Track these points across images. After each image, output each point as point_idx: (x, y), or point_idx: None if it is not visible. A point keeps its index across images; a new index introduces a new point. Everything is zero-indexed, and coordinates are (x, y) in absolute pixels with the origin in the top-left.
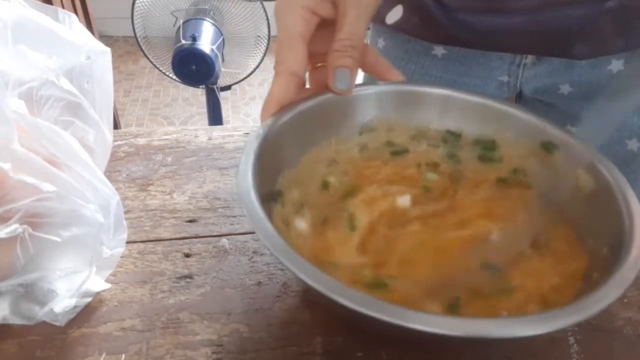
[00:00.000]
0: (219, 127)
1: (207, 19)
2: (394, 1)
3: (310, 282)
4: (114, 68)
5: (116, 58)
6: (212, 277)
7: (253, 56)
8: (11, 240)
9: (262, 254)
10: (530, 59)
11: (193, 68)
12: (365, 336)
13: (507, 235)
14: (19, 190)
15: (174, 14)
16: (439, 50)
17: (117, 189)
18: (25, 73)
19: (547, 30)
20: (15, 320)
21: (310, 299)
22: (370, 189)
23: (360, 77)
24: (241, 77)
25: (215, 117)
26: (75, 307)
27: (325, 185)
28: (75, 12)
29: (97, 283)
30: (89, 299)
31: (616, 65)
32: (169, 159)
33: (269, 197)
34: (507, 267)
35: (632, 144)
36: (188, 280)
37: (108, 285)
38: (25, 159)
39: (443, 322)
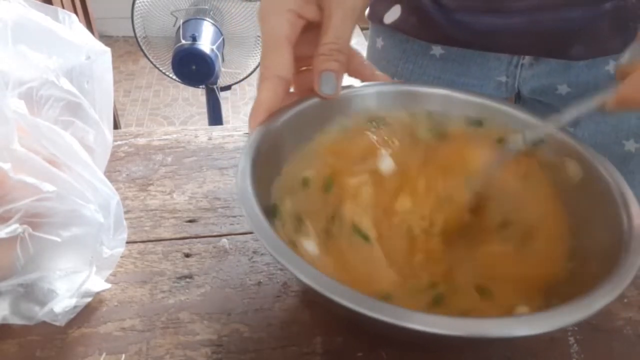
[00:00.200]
0: (219, 127)
1: (207, 19)
2: (392, 1)
3: (310, 282)
4: (114, 68)
5: (116, 58)
6: (212, 277)
7: (253, 56)
8: (11, 240)
9: (262, 254)
10: (527, 59)
11: (193, 68)
12: (365, 336)
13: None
14: (19, 190)
15: (174, 14)
16: (437, 50)
17: (117, 189)
18: (25, 73)
19: (545, 31)
20: (15, 320)
21: (310, 299)
22: (351, 180)
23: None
24: (241, 77)
25: (215, 117)
26: (75, 307)
27: (305, 183)
28: (75, 12)
29: (97, 283)
30: (89, 299)
31: (614, 65)
32: (169, 159)
33: (267, 212)
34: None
35: (630, 145)
36: (188, 280)
37: (108, 285)
38: (25, 159)
39: (443, 322)
